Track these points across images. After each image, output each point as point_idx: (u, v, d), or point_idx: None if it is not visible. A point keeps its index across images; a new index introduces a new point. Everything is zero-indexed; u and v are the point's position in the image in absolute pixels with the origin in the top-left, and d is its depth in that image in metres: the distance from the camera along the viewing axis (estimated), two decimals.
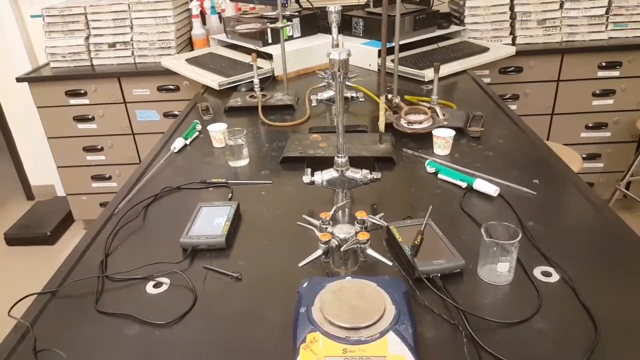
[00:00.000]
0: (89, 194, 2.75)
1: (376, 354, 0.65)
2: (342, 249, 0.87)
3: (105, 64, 2.53)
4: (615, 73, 2.35)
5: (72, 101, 2.51)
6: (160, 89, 2.46)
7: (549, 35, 2.38)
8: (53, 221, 2.89)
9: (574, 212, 1.05)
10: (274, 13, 2.22)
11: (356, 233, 0.88)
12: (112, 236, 1.06)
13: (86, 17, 2.47)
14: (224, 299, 0.86)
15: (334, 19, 1.67)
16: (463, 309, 0.79)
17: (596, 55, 2.32)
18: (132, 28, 2.49)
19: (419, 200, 1.13)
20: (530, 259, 0.91)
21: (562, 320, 0.77)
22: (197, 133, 1.55)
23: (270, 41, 2.10)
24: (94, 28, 2.48)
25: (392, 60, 1.54)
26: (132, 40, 2.49)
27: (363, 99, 1.74)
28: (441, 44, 2.22)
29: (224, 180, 1.26)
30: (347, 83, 1.82)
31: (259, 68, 1.74)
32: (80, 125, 2.57)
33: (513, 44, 2.39)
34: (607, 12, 2.34)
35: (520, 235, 0.83)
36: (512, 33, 2.41)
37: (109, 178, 2.70)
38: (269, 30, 2.08)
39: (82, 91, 2.48)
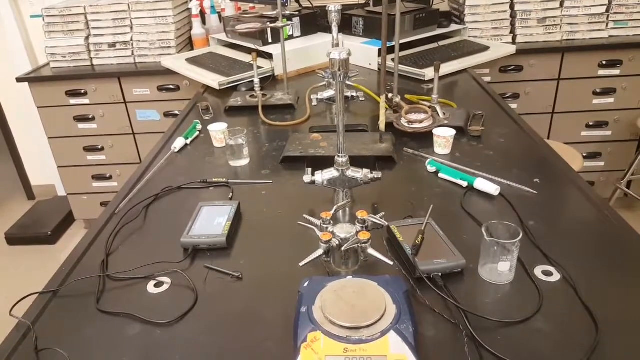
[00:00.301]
0: (89, 194, 2.76)
1: (377, 353, 0.65)
2: (342, 248, 0.87)
3: (106, 64, 2.53)
4: (616, 71, 2.34)
5: (73, 101, 2.51)
6: (160, 88, 2.46)
7: (550, 33, 2.38)
8: (54, 221, 2.89)
9: (575, 211, 1.05)
10: (274, 12, 2.22)
11: (357, 232, 0.88)
12: (113, 236, 1.06)
13: (86, 17, 2.47)
14: (225, 298, 0.86)
15: (334, 18, 1.67)
16: (464, 308, 0.79)
17: (597, 53, 2.32)
18: (132, 28, 2.49)
19: (420, 199, 1.13)
20: (531, 258, 0.91)
21: (563, 320, 0.77)
22: (197, 133, 1.55)
23: (270, 41, 2.10)
24: (94, 28, 2.48)
25: (393, 60, 1.54)
26: (132, 40, 2.49)
27: (363, 99, 1.74)
28: (441, 43, 2.22)
29: (224, 179, 1.26)
30: (348, 82, 1.82)
31: (259, 67, 1.74)
32: (81, 125, 2.57)
33: (513, 42, 2.39)
34: (607, 11, 2.34)
35: (521, 235, 0.83)
36: (512, 32, 2.41)
37: (110, 178, 2.70)
38: (269, 30, 2.08)
39: (83, 91, 2.48)
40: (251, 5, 2.57)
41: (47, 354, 0.77)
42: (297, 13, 2.23)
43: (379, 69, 2.06)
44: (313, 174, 1.08)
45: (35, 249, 2.78)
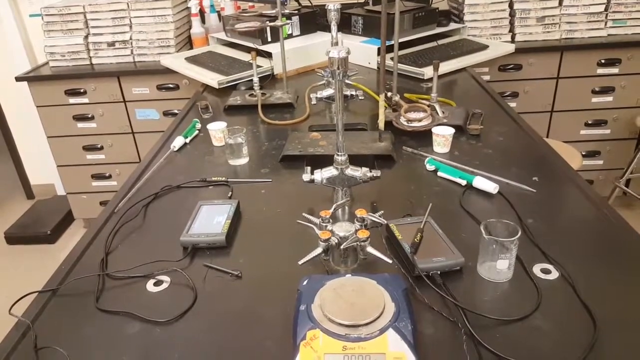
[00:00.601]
0: (89, 193, 2.76)
1: (376, 351, 0.65)
2: (341, 246, 0.88)
3: (105, 63, 2.53)
4: (615, 70, 2.35)
5: (72, 100, 2.51)
6: (159, 87, 2.46)
7: (548, 32, 2.38)
8: (53, 220, 2.89)
9: (574, 210, 1.05)
10: (273, 11, 2.22)
11: (356, 231, 0.88)
12: (113, 235, 1.06)
13: (85, 16, 2.46)
14: (224, 297, 0.87)
15: (333, 17, 1.67)
16: (462, 306, 0.79)
17: (595, 52, 2.32)
18: (131, 27, 2.49)
19: (419, 198, 1.13)
20: (530, 256, 0.91)
21: (561, 318, 0.77)
22: (196, 132, 1.56)
23: (269, 39, 2.10)
24: (93, 27, 2.48)
25: (392, 58, 1.54)
26: (131, 39, 2.49)
27: (362, 97, 1.74)
28: (440, 42, 2.22)
29: (223, 178, 1.26)
30: (347, 81, 1.82)
31: (258, 66, 1.74)
32: (80, 124, 2.57)
33: (512, 41, 2.39)
34: (606, 9, 2.34)
35: (519, 233, 0.83)
36: (511, 30, 2.41)
37: (109, 177, 2.70)
38: (268, 29, 2.08)
39: (82, 90, 2.48)
40: (250, 4, 2.57)
41: (47, 352, 0.77)
42: (296, 12, 2.23)
43: (378, 67, 2.06)
44: (312, 173, 1.08)
45: (35, 248, 2.79)
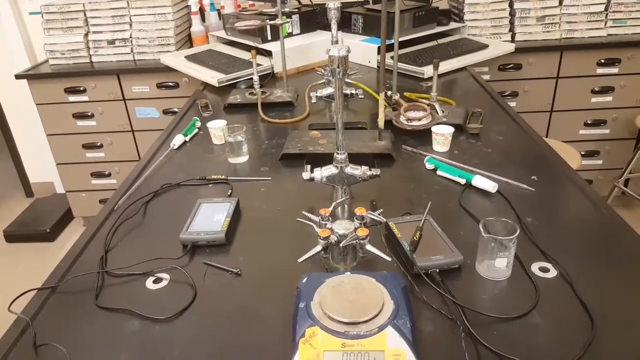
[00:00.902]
0: (88, 191, 2.76)
1: (375, 348, 0.65)
2: (341, 244, 0.88)
3: (105, 61, 2.53)
4: (614, 70, 2.35)
5: (72, 98, 2.51)
6: (159, 86, 2.46)
7: (548, 32, 2.38)
8: (52, 218, 2.89)
9: (572, 209, 1.06)
10: (274, 10, 2.22)
11: (355, 229, 0.89)
12: (112, 232, 1.06)
13: (85, 14, 2.46)
14: (224, 294, 0.87)
15: (333, 16, 1.67)
16: (461, 304, 0.79)
17: (595, 52, 2.32)
18: (131, 25, 2.49)
19: (418, 196, 1.13)
20: (528, 254, 0.91)
21: (560, 315, 0.78)
22: (196, 130, 1.56)
23: (269, 38, 2.10)
24: (92, 25, 2.48)
25: (392, 57, 1.54)
26: (131, 37, 2.49)
27: (362, 96, 1.74)
28: (440, 41, 2.22)
29: (223, 176, 1.26)
30: (347, 80, 1.82)
31: (258, 65, 1.74)
32: (80, 122, 2.57)
33: (512, 40, 2.39)
34: (606, 9, 2.34)
35: (518, 231, 0.83)
36: (511, 30, 2.41)
37: (109, 175, 2.70)
38: (268, 27, 2.08)
39: (82, 88, 2.48)
40: (250, 2, 2.57)
41: (46, 349, 0.77)
42: (296, 10, 2.23)
43: (378, 66, 2.06)
44: (312, 171, 1.09)
45: (34, 246, 2.79)
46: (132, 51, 2.51)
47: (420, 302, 0.81)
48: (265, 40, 2.10)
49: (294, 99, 1.75)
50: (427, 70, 1.88)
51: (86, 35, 2.50)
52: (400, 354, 0.65)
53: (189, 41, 2.65)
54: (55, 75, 2.46)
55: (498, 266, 0.85)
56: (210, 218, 1.04)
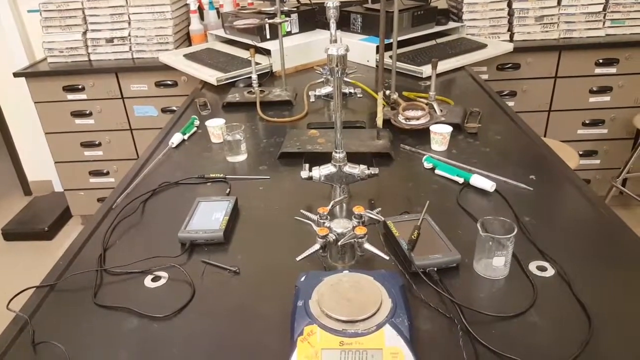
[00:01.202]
0: (86, 190, 2.75)
1: (372, 346, 0.66)
2: (339, 243, 0.88)
3: (103, 59, 2.52)
4: (612, 70, 2.35)
5: (70, 96, 2.51)
6: (158, 84, 2.46)
7: (547, 32, 2.38)
8: (50, 217, 2.89)
9: (570, 208, 1.06)
10: (272, 8, 2.22)
11: (353, 228, 0.89)
12: (110, 230, 1.06)
13: (83, 12, 2.46)
14: (222, 292, 0.87)
15: (332, 15, 1.67)
16: (459, 302, 0.80)
17: (593, 52, 2.32)
18: (129, 23, 2.48)
19: (416, 195, 1.13)
20: (526, 253, 0.92)
21: (557, 314, 0.78)
22: (195, 128, 1.56)
23: (268, 37, 2.10)
24: (91, 23, 2.48)
25: (390, 57, 1.54)
26: (129, 35, 2.48)
27: (361, 95, 1.74)
28: (439, 41, 2.22)
29: (222, 175, 1.26)
30: (345, 79, 1.82)
31: (257, 64, 1.74)
32: (78, 121, 2.57)
33: (511, 40, 2.39)
34: (604, 9, 2.35)
35: (516, 230, 0.83)
36: (509, 30, 2.41)
37: (107, 174, 2.70)
38: (267, 26, 2.07)
39: (80, 86, 2.48)
40: (249, 1, 2.57)
41: (44, 347, 0.77)
42: (295, 9, 2.23)
43: (376, 65, 2.06)
44: (310, 170, 1.09)
45: (32, 244, 2.78)
46: (130, 49, 2.51)
47: (418, 300, 0.82)
48: (264, 39, 2.10)
49: (293, 97, 1.75)
50: (426, 70, 1.88)
51: (85, 33, 2.49)
52: (398, 352, 0.65)
53: (187, 40, 2.64)
54: (53, 73, 2.45)
55: (496, 265, 0.85)
56: (208, 216, 1.04)
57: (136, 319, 0.82)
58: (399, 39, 2.01)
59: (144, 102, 2.51)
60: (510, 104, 2.42)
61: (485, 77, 2.39)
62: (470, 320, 0.77)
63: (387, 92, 1.56)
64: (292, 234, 1.02)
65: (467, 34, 2.35)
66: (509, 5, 2.38)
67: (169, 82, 2.46)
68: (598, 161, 2.56)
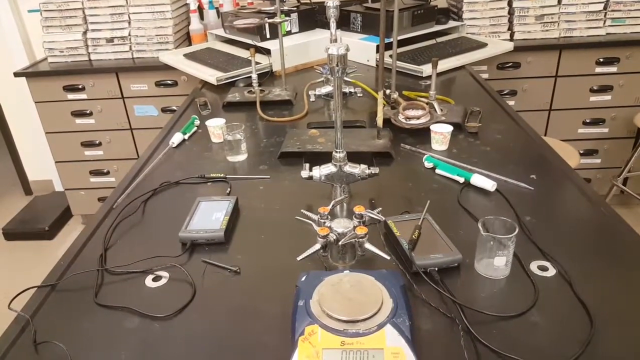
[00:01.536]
0: (87, 189, 2.75)
1: (374, 346, 0.66)
2: (340, 243, 0.88)
3: (103, 59, 2.52)
4: (613, 69, 2.35)
5: (70, 96, 2.51)
6: (158, 84, 2.46)
7: (547, 31, 2.38)
8: (51, 216, 2.89)
9: (571, 208, 1.06)
10: (272, 8, 2.22)
11: (354, 227, 0.89)
12: (111, 230, 1.06)
13: (84, 12, 2.46)
14: (223, 292, 0.87)
15: (332, 14, 1.67)
16: (460, 302, 0.80)
17: (594, 51, 2.32)
18: (129, 23, 2.48)
19: (417, 195, 1.13)
20: (527, 253, 0.91)
21: (558, 314, 0.78)
22: (195, 128, 1.56)
23: (268, 36, 2.10)
24: (91, 23, 2.48)
25: (391, 56, 1.54)
26: (129, 35, 2.48)
27: (361, 95, 1.74)
28: (439, 40, 2.22)
29: (222, 175, 1.26)
30: (346, 78, 1.82)
31: (257, 63, 1.74)
32: (78, 120, 2.57)
33: (511, 39, 2.39)
34: (605, 8, 2.35)
35: (517, 230, 0.83)
36: (510, 29, 2.41)
37: (107, 173, 2.70)
38: (267, 26, 2.07)
39: (80, 86, 2.48)
40: (249, 0, 2.57)
41: (46, 347, 0.77)
42: (295, 9, 2.23)
43: (377, 65, 2.06)
44: (311, 170, 1.09)
45: (33, 244, 2.78)
46: (130, 49, 2.51)
47: (419, 300, 0.82)
48: (264, 39, 2.09)
49: (293, 97, 1.75)
50: (426, 69, 1.88)
51: (85, 33, 2.49)
52: (399, 352, 0.65)
53: (187, 39, 2.64)
54: (54, 73, 2.45)
55: (497, 265, 0.85)
56: (209, 216, 1.04)
57: (137, 318, 0.82)
58: (399, 38, 2.01)
59: (144, 101, 2.51)
60: (511, 103, 2.42)
61: (485, 76, 2.38)
62: (471, 320, 0.77)
63: (388, 91, 1.55)
64: (293, 233, 1.02)
65: (467, 33, 2.35)
66: (509, 4, 2.37)
67: (169, 82, 2.46)
68: (599, 160, 2.56)
